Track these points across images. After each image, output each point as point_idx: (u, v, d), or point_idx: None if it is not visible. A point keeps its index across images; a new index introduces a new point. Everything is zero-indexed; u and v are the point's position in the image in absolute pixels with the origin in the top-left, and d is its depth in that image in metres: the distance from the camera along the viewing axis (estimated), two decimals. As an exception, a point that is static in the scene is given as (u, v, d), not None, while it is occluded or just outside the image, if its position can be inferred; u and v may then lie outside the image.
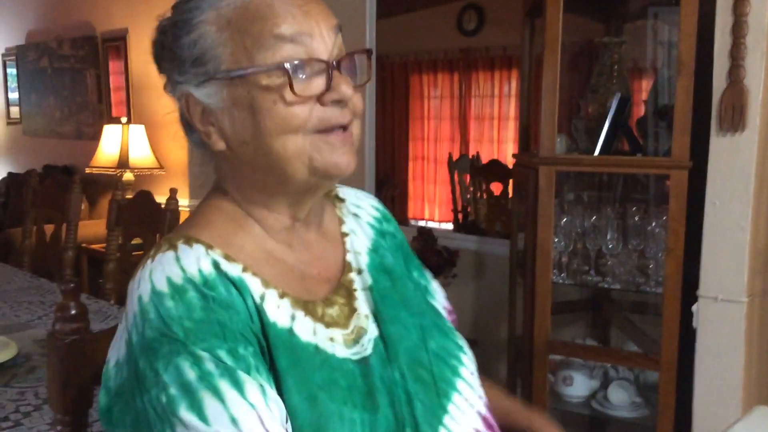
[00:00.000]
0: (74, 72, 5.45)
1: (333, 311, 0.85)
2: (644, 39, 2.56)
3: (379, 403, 0.79)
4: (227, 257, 0.80)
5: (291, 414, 0.74)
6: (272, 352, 0.76)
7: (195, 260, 0.78)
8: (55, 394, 0.98)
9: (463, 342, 0.96)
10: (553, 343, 2.27)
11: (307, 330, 0.81)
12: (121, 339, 0.79)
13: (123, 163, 4.39)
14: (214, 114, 0.82)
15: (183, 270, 0.77)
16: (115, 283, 2.65)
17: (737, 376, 1.98)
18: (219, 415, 0.69)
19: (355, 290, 0.90)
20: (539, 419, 0.99)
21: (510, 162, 5.20)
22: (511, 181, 4.80)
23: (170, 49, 0.83)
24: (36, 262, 3.05)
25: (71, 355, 0.98)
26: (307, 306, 0.83)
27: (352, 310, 0.87)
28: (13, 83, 6.35)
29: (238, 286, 0.78)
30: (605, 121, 2.25)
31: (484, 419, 0.91)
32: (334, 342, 0.82)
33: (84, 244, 4.18)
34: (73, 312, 1.00)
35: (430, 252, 3.04)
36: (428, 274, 1.09)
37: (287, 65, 0.78)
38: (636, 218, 2.21)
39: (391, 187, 6.59)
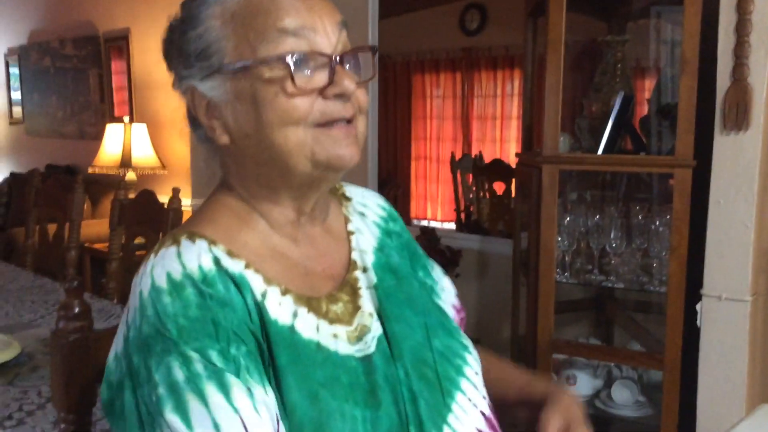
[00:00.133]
0: (77, 72, 5.46)
1: (337, 308, 0.85)
2: (647, 38, 2.55)
3: (381, 401, 0.79)
4: (230, 253, 0.80)
5: (290, 411, 0.74)
6: (272, 350, 0.76)
7: (196, 256, 0.78)
8: (58, 392, 0.98)
9: (468, 342, 0.96)
10: (556, 343, 2.27)
11: (309, 326, 0.81)
12: (120, 332, 0.79)
13: (125, 162, 4.39)
14: (218, 108, 0.83)
15: (183, 266, 0.77)
16: (118, 282, 2.65)
17: (741, 375, 1.98)
18: (203, 419, 0.70)
19: (359, 288, 0.89)
20: (557, 390, 0.97)
21: (512, 161, 5.21)
22: (513, 180, 4.81)
23: (177, 45, 0.84)
24: (39, 261, 3.05)
25: (74, 353, 0.98)
26: (310, 302, 0.83)
27: (356, 308, 0.87)
28: (15, 83, 6.36)
29: (238, 282, 0.78)
30: (608, 119, 2.25)
31: (488, 420, 0.90)
32: (337, 338, 0.82)
33: (87, 244, 4.18)
34: (76, 310, 1.00)
35: (433, 251, 3.04)
36: (438, 272, 1.08)
37: (289, 58, 0.78)
38: (639, 217, 2.20)
39: (393, 186, 6.58)
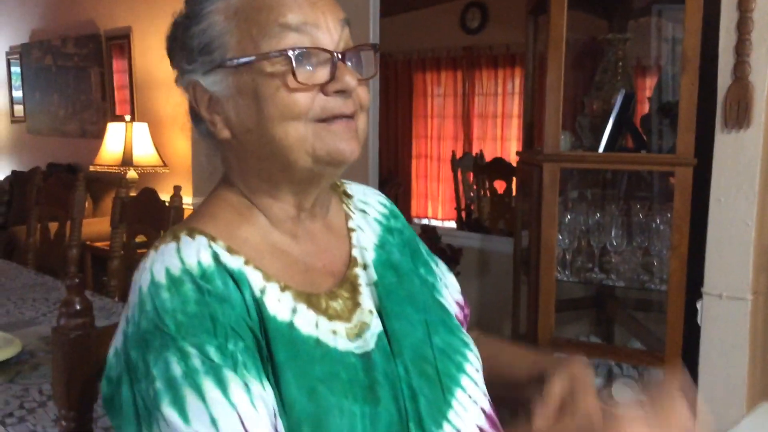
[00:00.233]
0: (78, 70, 5.46)
1: (336, 305, 0.85)
2: (648, 36, 2.55)
3: (380, 397, 0.79)
4: (230, 249, 0.81)
5: (289, 407, 0.74)
6: (271, 346, 0.77)
7: (195, 252, 0.79)
8: (59, 389, 0.98)
9: (469, 339, 0.96)
10: (557, 341, 2.27)
11: (308, 323, 0.81)
12: (120, 328, 0.80)
13: (127, 161, 4.40)
14: (220, 102, 0.83)
15: (182, 261, 0.77)
16: (120, 280, 2.66)
17: (742, 374, 1.98)
18: (200, 414, 0.70)
19: (359, 285, 0.89)
20: (565, 358, 0.94)
21: (513, 160, 5.20)
22: (514, 179, 4.80)
23: (181, 40, 0.85)
24: (40, 259, 3.05)
25: (76, 350, 0.98)
26: (310, 299, 0.83)
27: (356, 305, 0.87)
28: (17, 81, 6.36)
29: (236, 278, 0.79)
30: (609, 118, 2.25)
31: (488, 416, 0.90)
32: (336, 335, 0.82)
33: (88, 242, 4.18)
34: (77, 307, 1.00)
35: (434, 250, 3.03)
36: (442, 269, 1.08)
37: (290, 52, 0.79)
38: (640, 215, 2.20)
39: (394, 185, 6.58)
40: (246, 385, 0.72)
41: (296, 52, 0.79)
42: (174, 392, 0.71)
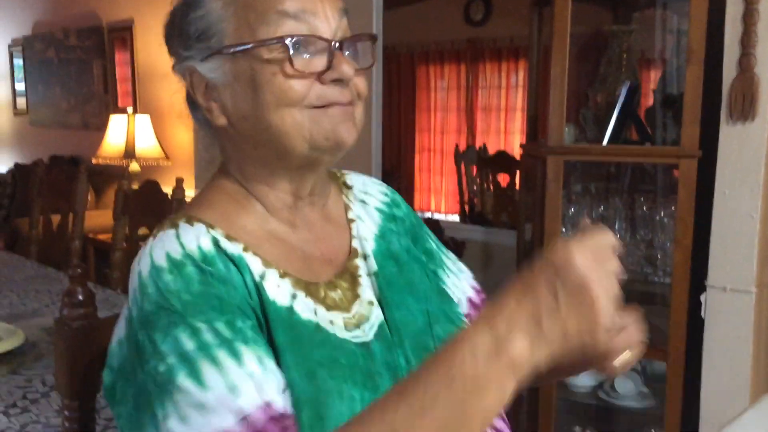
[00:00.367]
0: (80, 62, 5.46)
1: (335, 295, 0.85)
2: (653, 28, 2.54)
3: (380, 386, 0.79)
4: (228, 237, 0.81)
5: (290, 389, 0.74)
6: (271, 329, 0.77)
7: (195, 237, 0.79)
8: (62, 379, 0.99)
9: None
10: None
11: (307, 309, 0.81)
12: (122, 317, 0.80)
13: (129, 153, 4.39)
14: (216, 89, 0.83)
15: (182, 246, 0.78)
16: (122, 272, 2.66)
17: (745, 367, 1.97)
18: (217, 382, 0.69)
19: (359, 276, 0.89)
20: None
21: (517, 153, 5.20)
22: (517, 172, 4.80)
23: (179, 27, 0.85)
24: (43, 251, 3.06)
25: (78, 340, 0.98)
26: (308, 287, 0.83)
27: (355, 296, 0.87)
28: (19, 74, 6.36)
29: (237, 263, 0.79)
30: (614, 110, 2.24)
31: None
32: (333, 325, 0.82)
33: (90, 235, 4.19)
34: (80, 298, 1.00)
35: (437, 242, 3.04)
36: (449, 258, 1.07)
37: (288, 40, 0.79)
38: (644, 208, 2.20)
39: (397, 178, 6.57)
40: (259, 358, 0.72)
41: (293, 40, 0.79)
42: (189, 365, 0.70)
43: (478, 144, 6.57)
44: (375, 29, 3.10)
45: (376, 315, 0.86)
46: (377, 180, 1.06)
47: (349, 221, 0.95)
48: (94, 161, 4.58)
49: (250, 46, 0.80)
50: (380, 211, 1.00)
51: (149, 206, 2.64)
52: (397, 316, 0.87)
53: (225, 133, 0.86)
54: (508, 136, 6.61)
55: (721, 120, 1.95)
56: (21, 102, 6.40)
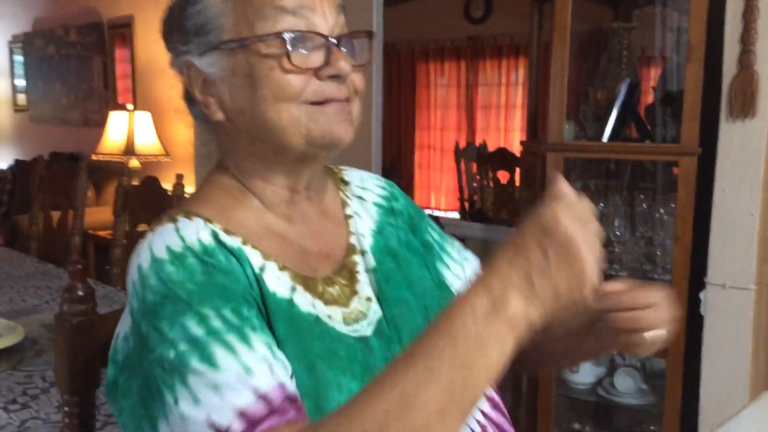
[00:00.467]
0: (80, 59, 5.45)
1: (333, 290, 0.85)
2: (653, 25, 2.54)
3: None
4: (227, 231, 0.81)
5: None
6: (271, 321, 0.77)
7: (194, 231, 0.79)
8: (62, 375, 0.99)
9: None
10: (559, 331, 2.27)
11: (306, 302, 0.81)
12: (125, 312, 0.80)
13: (129, 149, 4.39)
14: (214, 84, 0.83)
15: (182, 239, 0.77)
16: (122, 269, 2.66)
17: (745, 364, 1.98)
18: (231, 364, 0.69)
19: (357, 272, 0.89)
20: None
21: (517, 150, 5.19)
22: (517, 169, 4.79)
23: (177, 22, 0.85)
24: (43, 248, 3.06)
25: (78, 336, 0.98)
26: (306, 282, 0.83)
27: (353, 292, 0.87)
28: (19, 70, 6.36)
29: (237, 256, 0.79)
30: (614, 107, 2.24)
31: (490, 399, 0.91)
32: (332, 319, 0.82)
33: (90, 231, 4.19)
34: (80, 293, 1.00)
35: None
36: (453, 247, 1.06)
37: (285, 35, 0.79)
38: (644, 205, 2.19)
39: (397, 175, 6.58)
40: (268, 344, 0.72)
41: (291, 35, 0.79)
42: (201, 349, 0.70)
43: (478, 141, 6.57)
44: (375, 26, 3.10)
45: (375, 311, 0.87)
46: (375, 174, 1.06)
47: (347, 217, 0.95)
48: (94, 158, 4.58)
49: (248, 41, 0.80)
50: (378, 205, 1.00)
51: (149, 203, 2.64)
52: (396, 312, 0.87)
53: (222, 128, 0.86)
54: (508, 133, 6.61)
55: (721, 117, 1.95)
56: (21, 98, 6.39)
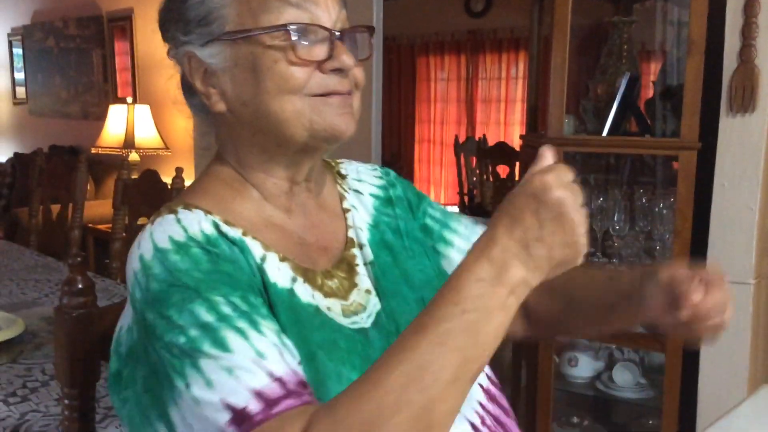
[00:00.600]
0: (80, 52, 5.44)
1: (332, 283, 0.86)
2: (654, 19, 2.54)
3: None
4: (227, 222, 0.81)
5: None
6: (273, 310, 0.77)
7: (196, 222, 0.79)
8: (62, 368, 0.99)
9: None
10: (558, 325, 2.27)
11: (306, 293, 0.82)
12: (127, 306, 0.80)
13: (129, 143, 4.39)
14: (216, 75, 0.83)
15: (185, 229, 0.77)
16: (122, 262, 2.66)
17: (744, 358, 1.98)
18: (245, 348, 0.69)
19: (356, 265, 0.90)
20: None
21: (517, 145, 5.19)
22: (517, 163, 4.79)
23: (177, 11, 0.85)
24: (42, 241, 3.06)
25: (78, 329, 0.98)
26: (306, 273, 0.83)
27: (353, 285, 0.88)
28: (19, 63, 6.34)
29: (239, 246, 0.79)
30: (614, 101, 2.24)
31: (486, 391, 0.91)
32: (331, 311, 0.82)
33: (90, 224, 4.18)
34: (80, 286, 1.00)
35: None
36: (460, 223, 1.04)
37: (290, 27, 0.79)
38: (643, 200, 2.19)
39: (397, 169, 6.51)
40: (277, 331, 0.73)
41: (295, 27, 0.79)
42: (212, 334, 0.69)
43: (478, 135, 6.57)
44: (375, 20, 3.09)
45: (374, 303, 0.87)
46: (371, 165, 1.06)
47: (345, 211, 0.95)
48: (93, 151, 4.58)
49: (252, 32, 0.80)
50: (375, 196, 1.00)
51: (149, 196, 2.63)
52: (393, 305, 0.88)
53: (223, 120, 0.86)
54: (508, 127, 6.60)
55: (721, 112, 1.95)
56: (20, 91, 6.38)
